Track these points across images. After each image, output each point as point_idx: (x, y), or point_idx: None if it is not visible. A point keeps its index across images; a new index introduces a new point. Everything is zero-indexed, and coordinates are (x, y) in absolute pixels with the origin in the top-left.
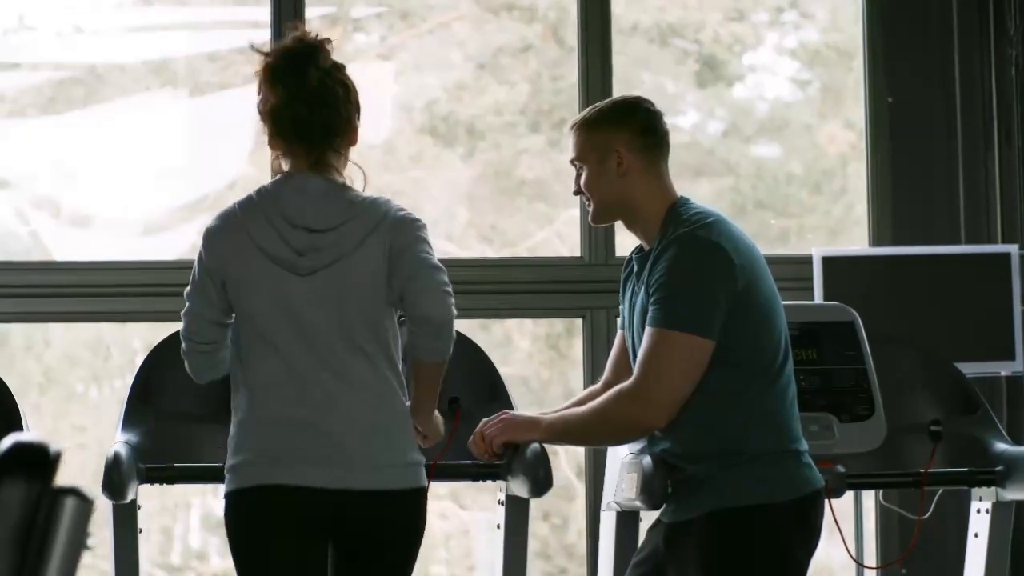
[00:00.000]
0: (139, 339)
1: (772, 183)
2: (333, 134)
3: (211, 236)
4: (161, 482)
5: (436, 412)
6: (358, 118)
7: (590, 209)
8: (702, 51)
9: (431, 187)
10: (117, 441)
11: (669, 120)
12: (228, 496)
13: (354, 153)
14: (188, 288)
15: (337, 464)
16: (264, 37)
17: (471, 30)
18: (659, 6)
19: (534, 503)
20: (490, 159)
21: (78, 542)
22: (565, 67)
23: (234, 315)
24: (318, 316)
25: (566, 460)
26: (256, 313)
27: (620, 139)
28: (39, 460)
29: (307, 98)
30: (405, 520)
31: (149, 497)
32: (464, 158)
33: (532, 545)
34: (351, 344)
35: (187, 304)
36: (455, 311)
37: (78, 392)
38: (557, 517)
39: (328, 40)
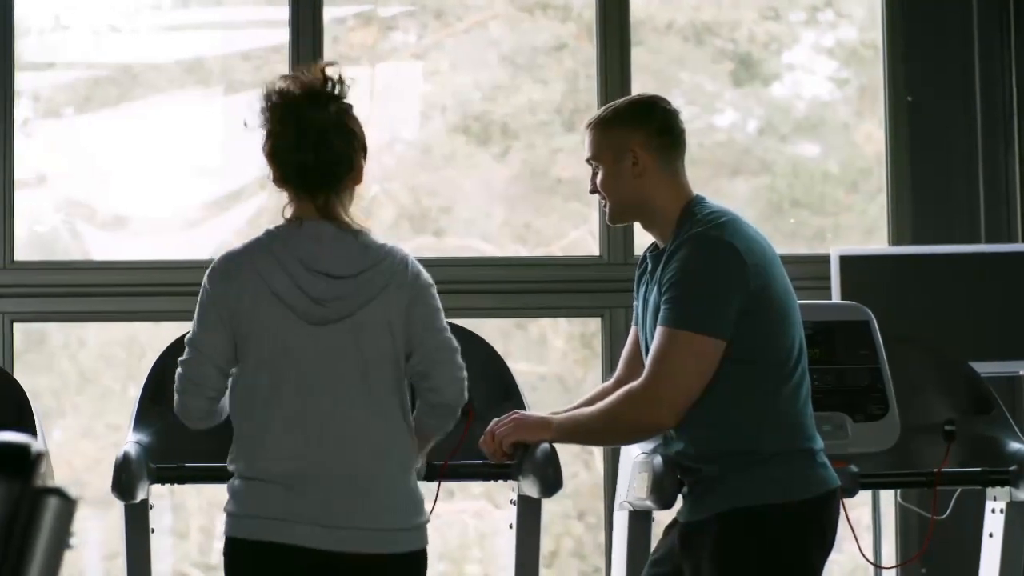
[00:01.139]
0: (173, 339)
1: (808, 182)
2: (339, 179)
3: (219, 277)
4: (172, 482)
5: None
6: (364, 158)
7: (607, 209)
8: (737, 50)
9: (465, 186)
10: (128, 441)
11: (707, 119)
12: (227, 540)
13: (388, 151)
14: (194, 331)
15: (338, 524)
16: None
17: (505, 29)
18: (694, 5)
19: (572, 502)
20: (524, 158)
21: (60, 542)
22: (592, 66)
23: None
24: (329, 366)
25: (600, 459)
26: (261, 360)
27: (636, 139)
28: (20, 460)
29: (312, 146)
30: None
31: (188, 496)
32: (498, 158)
33: (567, 544)
34: (363, 397)
35: (190, 350)
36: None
37: (115, 391)
38: (592, 516)
39: (338, 82)
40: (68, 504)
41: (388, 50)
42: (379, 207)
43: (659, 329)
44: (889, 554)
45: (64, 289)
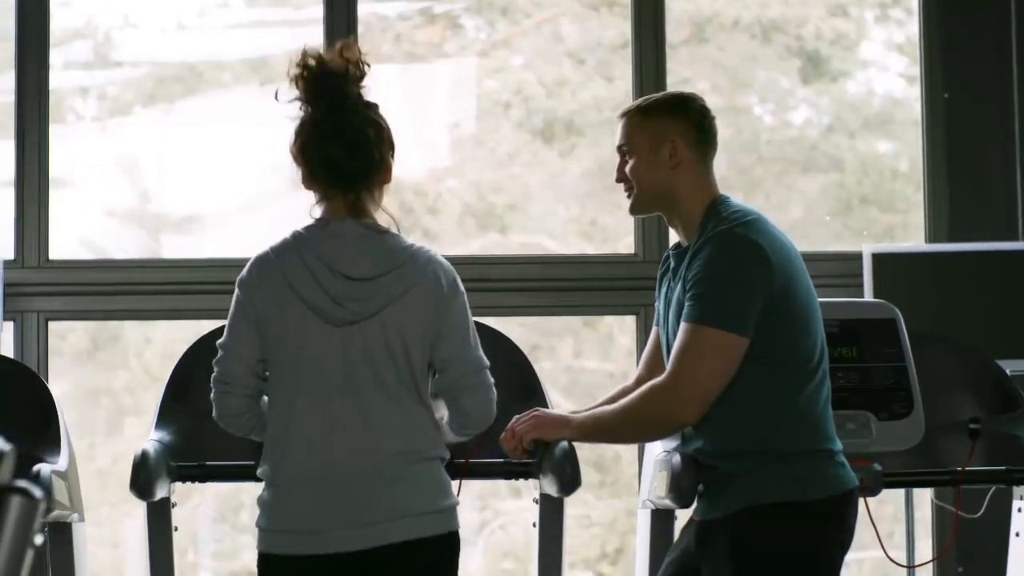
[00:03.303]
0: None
1: (878, 179)
2: (368, 176)
3: (247, 282)
4: (193, 480)
5: None
6: (392, 156)
7: (630, 198)
8: (804, 47)
9: (531, 184)
10: (148, 440)
11: (781, 116)
12: (260, 556)
13: (453, 148)
14: (225, 334)
15: (364, 525)
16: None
17: (572, 26)
18: (761, 2)
19: (624, 502)
20: (590, 155)
21: (23, 541)
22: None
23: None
24: (349, 367)
25: None
26: (287, 361)
27: (677, 129)
28: None
29: (342, 141)
30: (436, 566)
31: (247, 494)
32: (563, 155)
33: (613, 542)
34: (385, 395)
35: (223, 352)
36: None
37: None
38: None
39: (360, 68)
40: (31, 503)
41: (454, 47)
42: (444, 205)
43: (683, 325)
44: (925, 554)
45: (133, 287)
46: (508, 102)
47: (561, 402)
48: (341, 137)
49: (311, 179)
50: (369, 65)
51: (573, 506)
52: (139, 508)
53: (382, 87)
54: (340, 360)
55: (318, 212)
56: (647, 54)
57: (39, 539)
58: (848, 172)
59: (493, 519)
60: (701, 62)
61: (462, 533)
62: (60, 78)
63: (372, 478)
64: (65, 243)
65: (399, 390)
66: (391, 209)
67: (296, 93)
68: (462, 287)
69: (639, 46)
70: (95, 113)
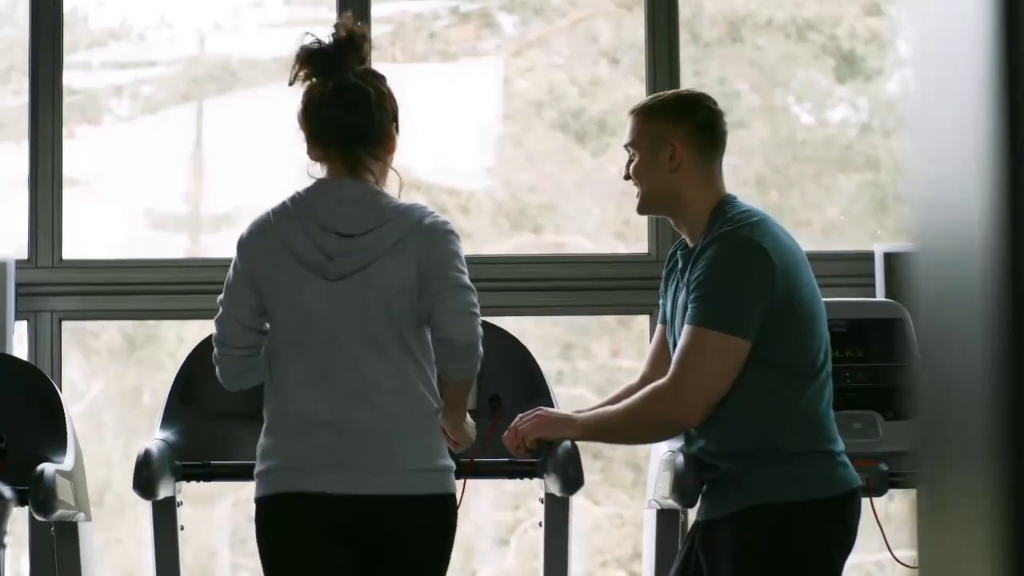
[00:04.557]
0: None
1: None
2: (367, 137)
3: (245, 242)
4: (198, 479)
5: (468, 419)
6: (395, 127)
7: (637, 197)
8: (839, 46)
9: (564, 183)
10: (153, 439)
11: (818, 115)
12: (256, 502)
13: (486, 147)
14: (222, 294)
15: (361, 468)
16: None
17: (605, 25)
18: (795, 1)
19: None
20: (623, 155)
21: None
22: (700, 63)
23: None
24: (344, 320)
25: None
26: (284, 316)
27: (677, 133)
28: None
29: (340, 100)
30: (431, 525)
31: None
32: (596, 154)
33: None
34: (377, 348)
35: (220, 310)
36: (480, 331)
37: None
38: None
39: (363, 38)
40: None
41: (487, 46)
42: (477, 204)
43: (685, 327)
44: None
45: (169, 287)
46: (541, 101)
47: (595, 401)
48: (340, 103)
49: (313, 141)
50: (367, 36)
51: (606, 505)
52: (188, 507)
53: (415, 86)
54: (333, 314)
55: (318, 172)
56: (660, 52)
57: (7, 539)
58: (884, 171)
59: (527, 518)
60: (737, 61)
61: (497, 532)
62: (95, 78)
63: (367, 428)
64: (99, 243)
65: (390, 344)
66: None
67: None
68: (457, 239)
69: (652, 45)
70: (129, 113)
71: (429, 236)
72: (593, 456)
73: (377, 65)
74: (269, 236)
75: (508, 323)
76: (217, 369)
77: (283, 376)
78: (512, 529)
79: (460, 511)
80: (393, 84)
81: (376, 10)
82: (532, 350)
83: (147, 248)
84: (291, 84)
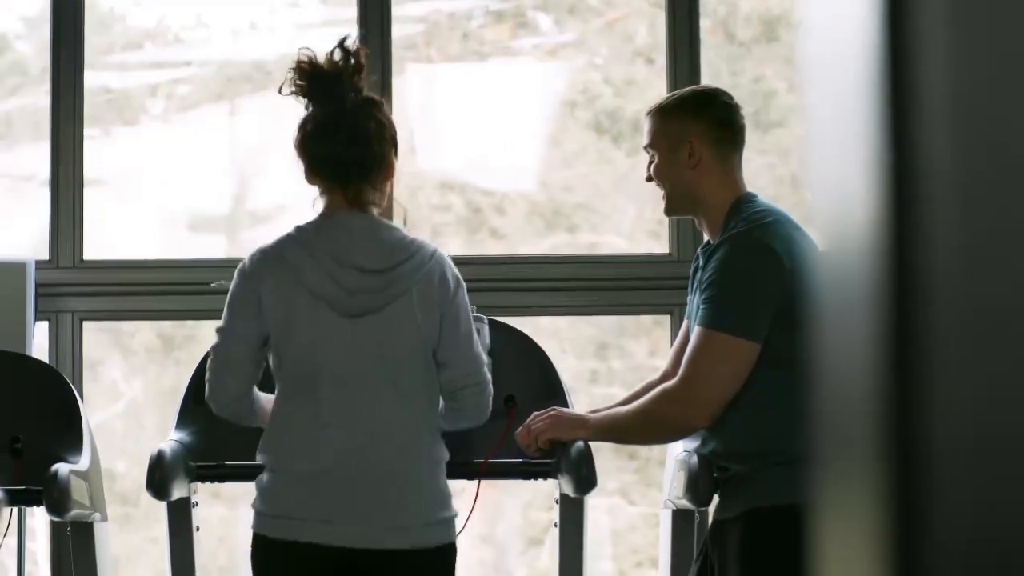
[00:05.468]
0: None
1: None
2: (368, 170)
3: (251, 271)
4: (212, 480)
5: None
6: (395, 153)
7: (663, 199)
8: None
9: (599, 183)
10: (167, 440)
11: None
12: (254, 536)
13: (520, 147)
14: (224, 320)
15: (362, 519)
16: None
17: (640, 25)
18: None
19: None
20: None
21: None
22: (736, 62)
23: (270, 355)
24: (359, 359)
25: None
26: (292, 352)
27: (695, 130)
28: None
29: (340, 135)
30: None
31: None
32: (631, 154)
33: None
34: (390, 390)
35: (220, 336)
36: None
37: None
38: None
39: (361, 64)
40: None
41: (522, 46)
42: (511, 204)
43: (696, 329)
44: None
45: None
46: (575, 101)
47: None
48: (340, 132)
49: (312, 173)
50: (364, 62)
51: (641, 505)
52: (218, 504)
53: (450, 86)
54: (348, 351)
55: (320, 206)
56: (681, 50)
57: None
58: None
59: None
60: (773, 61)
61: (532, 533)
62: (131, 78)
63: (370, 478)
64: (135, 243)
65: (405, 384)
66: (458, 207)
67: (296, 90)
68: (463, 283)
69: (672, 42)
70: (163, 113)
71: (444, 287)
72: (629, 456)
73: (411, 66)
74: (279, 268)
75: (543, 323)
76: (209, 392)
77: (288, 414)
78: (546, 529)
79: (490, 511)
80: (427, 84)
81: (409, 9)
82: (566, 350)
83: (182, 248)
84: (281, 92)
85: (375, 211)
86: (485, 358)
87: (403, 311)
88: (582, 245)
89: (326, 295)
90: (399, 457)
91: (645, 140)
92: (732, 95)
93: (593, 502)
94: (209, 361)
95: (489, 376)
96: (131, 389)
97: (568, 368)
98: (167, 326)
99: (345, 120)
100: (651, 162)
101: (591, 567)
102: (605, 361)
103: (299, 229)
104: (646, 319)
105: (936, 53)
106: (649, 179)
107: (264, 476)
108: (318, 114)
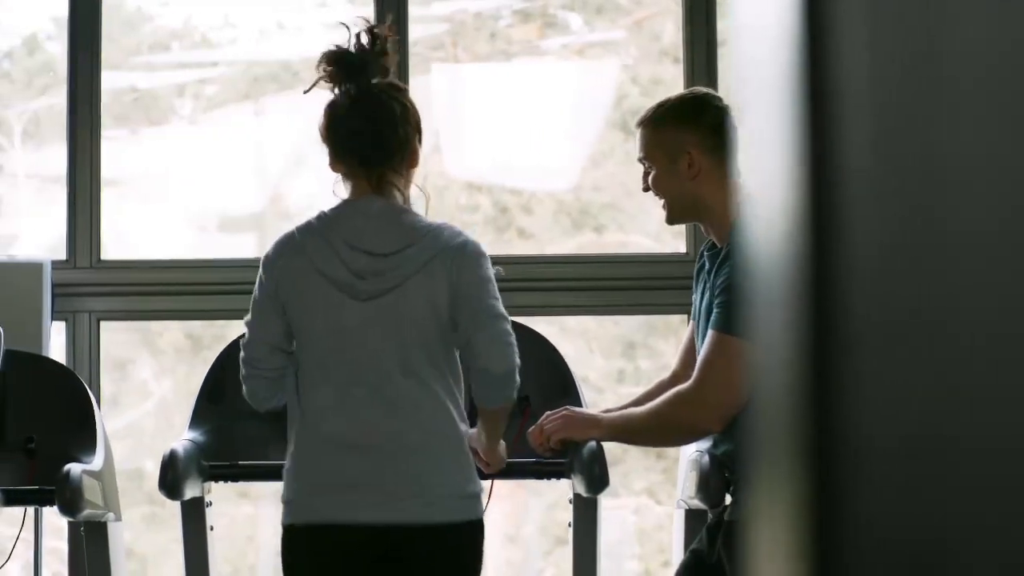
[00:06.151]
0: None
1: None
2: (392, 153)
3: (271, 261)
4: (226, 480)
5: (501, 443)
6: (419, 140)
7: (664, 209)
8: None
9: (627, 183)
10: (180, 439)
11: None
12: (284, 529)
13: (547, 147)
14: (248, 316)
15: (389, 493)
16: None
17: (668, 24)
18: None
19: None
20: None
21: None
22: None
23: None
24: (374, 341)
25: None
26: (312, 337)
27: (692, 140)
28: None
29: (364, 117)
30: (458, 553)
31: None
32: None
33: None
34: (407, 370)
35: (247, 332)
36: (518, 361)
37: None
38: None
39: (387, 46)
40: None
41: (549, 46)
42: (538, 204)
43: (709, 332)
44: None
45: (237, 287)
46: (603, 100)
47: None
48: (364, 116)
49: (336, 158)
50: (389, 46)
51: (668, 505)
52: (246, 503)
53: (477, 85)
54: (364, 335)
55: (343, 191)
56: (698, 51)
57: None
58: None
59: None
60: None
61: (558, 532)
62: (158, 78)
63: (397, 452)
64: (161, 242)
65: (421, 366)
66: (485, 206)
67: (324, 80)
68: (488, 261)
69: (689, 42)
70: (191, 113)
71: (460, 258)
72: (656, 456)
73: (438, 65)
74: (296, 255)
75: (571, 323)
76: (245, 389)
77: (311, 398)
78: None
79: (516, 511)
80: (454, 84)
81: (436, 9)
82: (593, 349)
83: (209, 248)
84: (307, 92)
85: (398, 196)
86: (502, 311)
87: (413, 292)
88: (610, 245)
89: (339, 280)
90: (422, 434)
91: (639, 153)
92: (721, 96)
93: (620, 501)
94: (241, 359)
95: (509, 330)
96: (160, 388)
97: (595, 367)
98: (196, 326)
99: (370, 104)
100: (647, 173)
101: (619, 566)
102: (632, 361)
103: (320, 215)
104: (674, 318)
105: (855, 50)
106: (646, 189)
107: (288, 462)
108: (344, 99)
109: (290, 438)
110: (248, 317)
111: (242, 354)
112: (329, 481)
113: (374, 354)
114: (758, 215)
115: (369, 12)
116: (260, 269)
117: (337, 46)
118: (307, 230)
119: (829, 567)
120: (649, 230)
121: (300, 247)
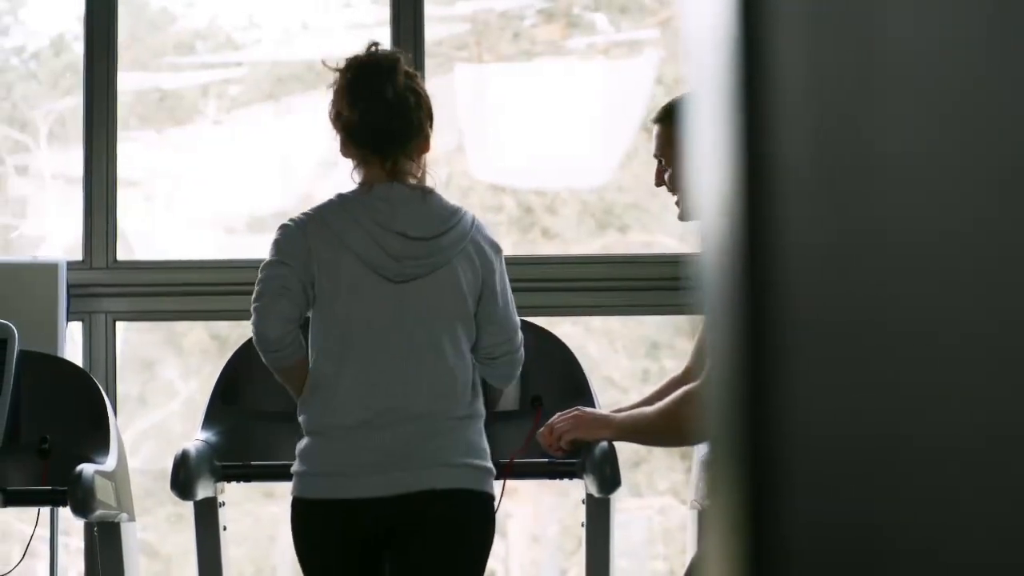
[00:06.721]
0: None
1: None
2: (406, 141)
3: (293, 233)
4: (238, 480)
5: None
6: (430, 126)
7: (678, 206)
8: None
9: (651, 182)
10: (193, 439)
11: None
12: (293, 501)
13: (572, 146)
14: (265, 273)
15: (401, 465)
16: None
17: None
18: None
19: None
20: None
21: None
22: None
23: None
24: (403, 322)
25: None
26: (336, 314)
27: None
28: None
29: (383, 110)
30: (468, 522)
31: None
32: None
33: None
34: (433, 351)
35: (262, 285)
36: (520, 368)
37: None
38: None
39: (400, 53)
40: None
41: (573, 45)
42: (563, 204)
43: None
44: None
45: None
46: (627, 100)
47: None
48: (378, 100)
49: (348, 143)
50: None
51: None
52: (270, 503)
53: (501, 85)
54: (393, 315)
55: (358, 177)
56: None
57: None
58: None
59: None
60: None
61: (579, 532)
62: (183, 79)
63: (413, 431)
64: (182, 242)
65: (448, 347)
66: (510, 207)
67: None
68: (501, 249)
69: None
70: (215, 114)
71: (484, 251)
72: (680, 456)
73: (461, 65)
74: (322, 230)
75: (595, 323)
76: (256, 338)
77: (329, 375)
78: None
79: (541, 511)
80: (478, 84)
81: (460, 8)
82: (618, 349)
83: (232, 248)
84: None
85: (412, 181)
86: (518, 322)
87: (445, 278)
88: (634, 245)
89: (372, 260)
90: (439, 410)
91: (655, 150)
92: None
93: (645, 501)
94: (253, 309)
95: (520, 341)
96: (187, 388)
97: (620, 367)
98: (222, 326)
99: (382, 88)
100: (663, 170)
101: (644, 567)
102: (657, 361)
103: (340, 197)
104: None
105: (792, 50)
106: (660, 185)
107: (304, 440)
108: (353, 82)
109: (306, 408)
110: (272, 259)
111: (255, 304)
112: (344, 460)
113: (403, 335)
114: (703, 215)
115: (386, 12)
116: (277, 239)
117: (358, 60)
118: (329, 209)
119: (766, 565)
120: (674, 230)
121: (326, 225)
